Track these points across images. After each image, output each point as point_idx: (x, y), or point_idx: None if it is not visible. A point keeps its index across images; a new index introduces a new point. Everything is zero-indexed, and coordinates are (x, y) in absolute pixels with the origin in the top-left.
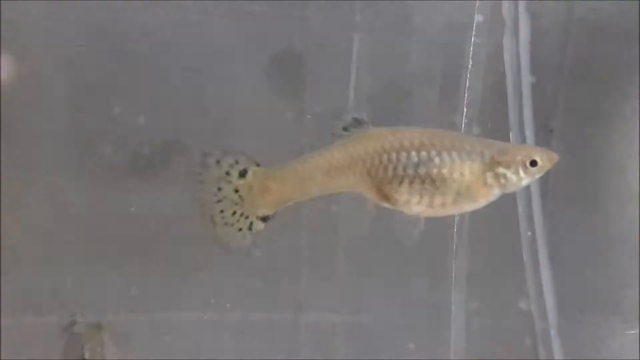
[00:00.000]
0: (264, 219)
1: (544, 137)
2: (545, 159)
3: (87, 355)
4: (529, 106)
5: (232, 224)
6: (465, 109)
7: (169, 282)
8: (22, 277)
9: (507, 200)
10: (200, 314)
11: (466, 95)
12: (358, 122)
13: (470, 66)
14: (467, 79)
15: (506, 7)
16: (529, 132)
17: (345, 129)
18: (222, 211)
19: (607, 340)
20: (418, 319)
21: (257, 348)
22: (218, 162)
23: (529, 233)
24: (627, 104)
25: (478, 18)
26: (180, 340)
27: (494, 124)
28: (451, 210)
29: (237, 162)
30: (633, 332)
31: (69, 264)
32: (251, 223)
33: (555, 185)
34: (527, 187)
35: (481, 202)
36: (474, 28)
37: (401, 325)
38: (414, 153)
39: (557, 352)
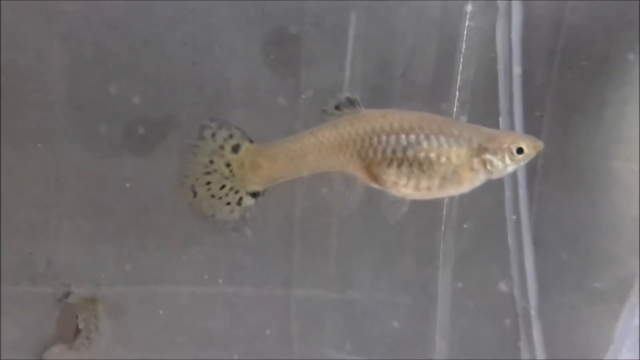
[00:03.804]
0: (254, 194)
1: (532, 122)
2: (530, 147)
3: (81, 326)
4: (518, 91)
5: (220, 197)
6: (457, 93)
7: (163, 255)
8: (17, 247)
9: (497, 184)
10: (193, 288)
11: (459, 78)
12: (350, 102)
13: (463, 50)
14: (460, 63)
15: None
16: (517, 117)
17: (337, 107)
18: (208, 183)
19: (584, 323)
20: (405, 297)
21: (249, 322)
22: (214, 135)
23: (514, 217)
24: (616, 92)
25: (471, 3)
26: (173, 313)
27: (486, 107)
28: (437, 193)
29: (231, 137)
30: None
31: (63, 235)
32: (240, 198)
33: (542, 170)
34: (514, 172)
35: (466, 187)
36: (468, 12)
37: (389, 303)
38: (403, 136)
39: (537, 332)
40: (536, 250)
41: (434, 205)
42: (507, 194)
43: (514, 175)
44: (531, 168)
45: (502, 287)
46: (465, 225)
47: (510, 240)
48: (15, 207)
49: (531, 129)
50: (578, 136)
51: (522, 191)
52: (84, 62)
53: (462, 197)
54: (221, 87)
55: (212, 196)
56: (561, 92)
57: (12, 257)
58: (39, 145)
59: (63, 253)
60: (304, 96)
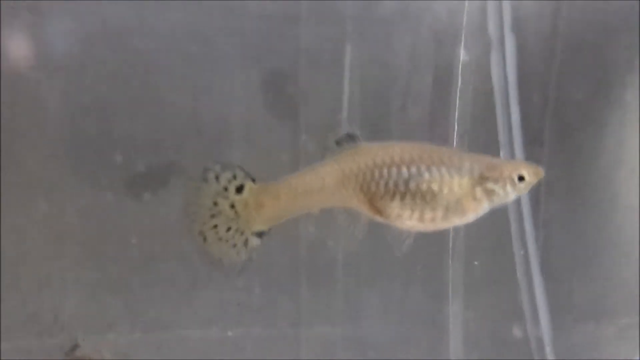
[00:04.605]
0: (260, 234)
1: (533, 150)
2: (532, 174)
3: None
4: (517, 120)
5: (227, 240)
6: (456, 125)
7: (169, 302)
8: (22, 300)
9: (502, 214)
10: (201, 332)
11: (457, 111)
12: (350, 137)
13: (460, 84)
14: (457, 96)
15: (491, 26)
16: (517, 145)
17: (337, 143)
18: (215, 226)
19: (599, 347)
20: (416, 331)
21: None
22: (217, 177)
23: (522, 252)
24: (614, 114)
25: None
26: (182, 358)
27: (486, 138)
28: (441, 224)
29: (235, 178)
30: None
31: (69, 287)
32: (246, 239)
33: (546, 197)
34: (519, 205)
35: (470, 217)
36: (462, 46)
37: (399, 338)
38: (404, 168)
39: None
40: (546, 280)
41: (441, 236)
42: (513, 227)
43: (518, 207)
44: (535, 196)
45: (516, 332)
46: (475, 262)
47: (519, 275)
48: (19, 261)
49: (533, 156)
50: (580, 162)
51: (528, 225)
52: (84, 112)
53: (468, 227)
54: (221, 130)
55: (220, 239)
56: (560, 119)
57: (17, 311)
58: (42, 195)
59: (69, 305)
60: (304, 138)
